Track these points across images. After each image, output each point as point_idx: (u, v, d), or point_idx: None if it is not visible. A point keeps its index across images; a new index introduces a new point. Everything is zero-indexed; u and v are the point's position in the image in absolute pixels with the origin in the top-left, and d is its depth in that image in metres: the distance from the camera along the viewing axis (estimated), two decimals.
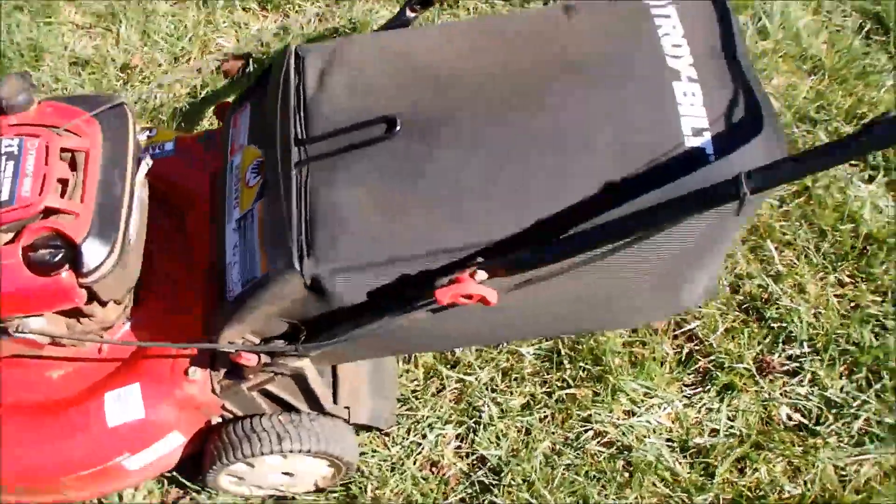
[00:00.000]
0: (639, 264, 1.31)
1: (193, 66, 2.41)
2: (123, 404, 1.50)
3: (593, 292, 1.37)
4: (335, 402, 1.68)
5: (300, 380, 1.50)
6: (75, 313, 1.47)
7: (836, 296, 1.98)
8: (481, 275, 1.19)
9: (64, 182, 1.36)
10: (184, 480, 1.73)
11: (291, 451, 1.55)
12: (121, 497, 1.75)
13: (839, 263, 2.01)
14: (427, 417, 1.84)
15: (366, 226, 1.27)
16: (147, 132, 1.82)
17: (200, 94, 2.36)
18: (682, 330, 1.94)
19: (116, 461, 1.54)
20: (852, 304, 1.97)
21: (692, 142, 1.23)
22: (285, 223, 1.28)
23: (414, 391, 1.87)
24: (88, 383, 1.55)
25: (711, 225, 1.27)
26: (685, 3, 1.39)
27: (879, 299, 1.96)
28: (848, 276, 2.01)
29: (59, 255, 1.28)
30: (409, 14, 1.59)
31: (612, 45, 1.35)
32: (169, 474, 1.73)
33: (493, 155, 1.28)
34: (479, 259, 1.21)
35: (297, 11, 2.53)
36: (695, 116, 1.25)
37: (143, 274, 1.60)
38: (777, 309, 1.94)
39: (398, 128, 1.30)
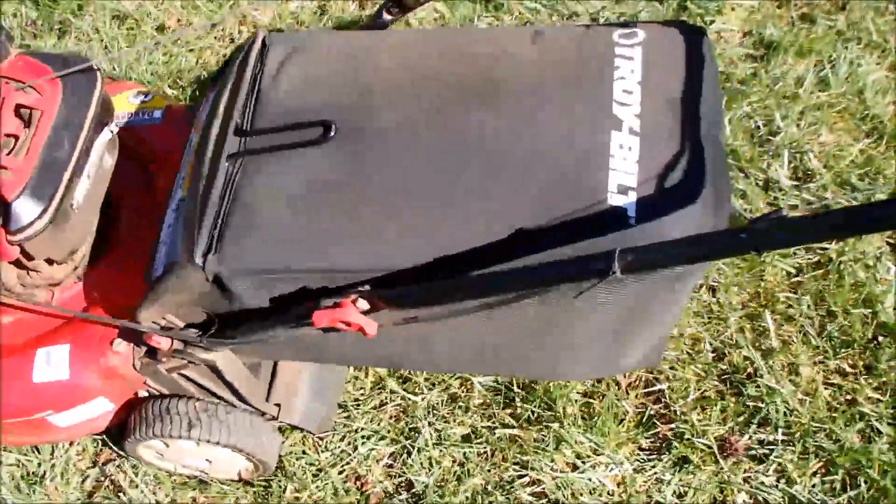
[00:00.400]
0: (545, 321, 1.28)
1: (197, 25, 2.49)
2: (51, 363, 1.58)
3: (493, 340, 1.34)
4: (268, 397, 1.72)
5: (216, 371, 1.55)
6: (22, 265, 1.57)
7: (831, 384, 1.85)
8: (363, 304, 1.18)
9: (15, 137, 1.44)
10: (112, 446, 1.82)
11: (200, 440, 1.60)
12: (52, 451, 1.85)
13: (843, 350, 1.88)
14: (362, 430, 1.85)
15: (278, 232, 1.28)
16: (142, 97, 1.91)
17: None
18: (650, 389, 1.87)
19: (41, 416, 1.62)
20: (848, 398, 1.84)
21: (615, 200, 1.18)
22: (197, 214, 1.31)
23: (357, 400, 1.89)
24: (33, 334, 1.65)
25: (646, 292, 1.23)
26: (657, 40, 1.33)
27: (878, 398, 1.82)
28: (850, 365, 1.88)
29: None
30: (386, 17, 1.58)
31: (562, 82, 1.31)
32: (100, 437, 1.83)
33: (414, 181, 1.27)
34: (366, 287, 1.20)
35: None
36: (625, 173, 1.19)
37: (108, 237, 1.69)
38: (757, 387, 1.83)
39: (332, 134, 1.32)
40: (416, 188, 1.26)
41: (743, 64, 2.32)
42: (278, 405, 1.72)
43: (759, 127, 2.18)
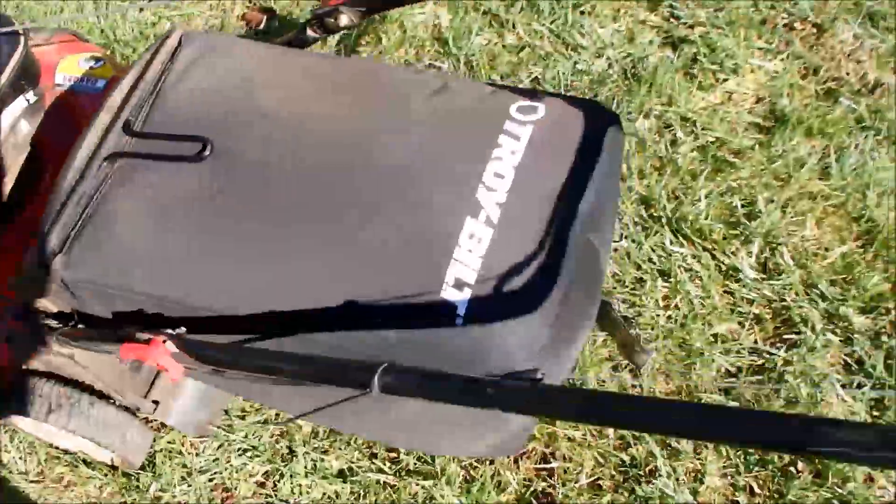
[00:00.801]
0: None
1: None
2: None
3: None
4: (148, 394, 1.77)
5: (77, 363, 1.59)
6: None
7: (734, 502, 1.79)
8: (171, 346, 1.20)
9: None
10: None
11: (59, 427, 1.66)
12: None
13: (756, 468, 1.80)
14: (239, 442, 1.88)
15: (127, 248, 1.29)
16: (93, 62, 1.95)
17: None
18: (542, 466, 1.84)
19: None
20: None
21: (448, 294, 1.14)
22: (55, 210, 1.34)
23: (244, 410, 1.91)
24: None
25: None
26: (556, 121, 1.27)
27: None
28: (759, 485, 1.80)
29: None
30: (310, 33, 1.57)
31: (437, 150, 1.27)
32: None
33: (265, 226, 1.26)
34: (181, 329, 1.21)
35: None
36: (465, 266, 1.15)
37: (27, 200, 1.75)
38: (651, 487, 1.78)
39: (207, 153, 1.33)
40: (264, 234, 1.26)
41: (744, 133, 2.22)
42: (156, 402, 1.76)
43: (737, 207, 2.09)
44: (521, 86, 2.29)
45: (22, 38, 1.60)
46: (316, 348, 1.18)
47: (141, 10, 2.48)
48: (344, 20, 1.48)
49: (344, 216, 1.24)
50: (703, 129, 2.20)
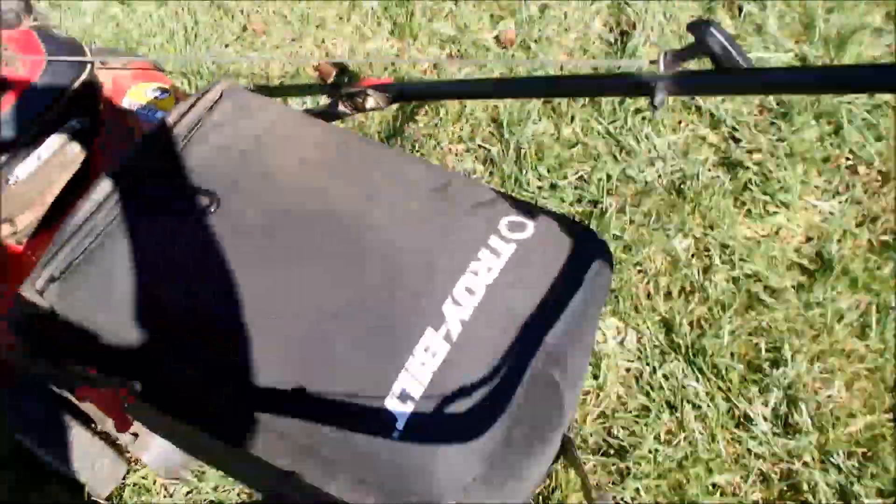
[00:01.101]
0: None
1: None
2: None
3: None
4: (128, 427, 1.73)
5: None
6: None
7: None
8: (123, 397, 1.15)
9: None
10: None
11: (28, 444, 1.64)
12: None
13: None
14: (210, 492, 1.82)
15: (120, 288, 1.27)
16: (159, 92, 1.98)
17: (285, 81, 2.48)
18: None
19: None
20: None
21: (391, 404, 1.04)
22: (67, 234, 1.33)
23: None
24: None
25: None
26: (542, 244, 1.18)
27: None
28: None
29: None
30: (341, 108, 1.53)
31: (420, 252, 1.18)
32: None
33: (242, 294, 1.22)
34: (136, 384, 1.17)
35: (417, 49, 2.53)
36: (414, 379, 1.05)
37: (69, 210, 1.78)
38: None
39: (212, 210, 1.30)
40: (242, 302, 1.22)
41: (787, 272, 2.07)
42: (135, 435, 1.72)
43: (762, 350, 1.94)
44: (564, 182, 2.21)
45: (88, 66, 1.63)
46: (261, 429, 1.13)
47: (227, 44, 2.52)
48: (370, 102, 1.44)
49: (320, 288, 1.19)
50: (741, 259, 2.05)
